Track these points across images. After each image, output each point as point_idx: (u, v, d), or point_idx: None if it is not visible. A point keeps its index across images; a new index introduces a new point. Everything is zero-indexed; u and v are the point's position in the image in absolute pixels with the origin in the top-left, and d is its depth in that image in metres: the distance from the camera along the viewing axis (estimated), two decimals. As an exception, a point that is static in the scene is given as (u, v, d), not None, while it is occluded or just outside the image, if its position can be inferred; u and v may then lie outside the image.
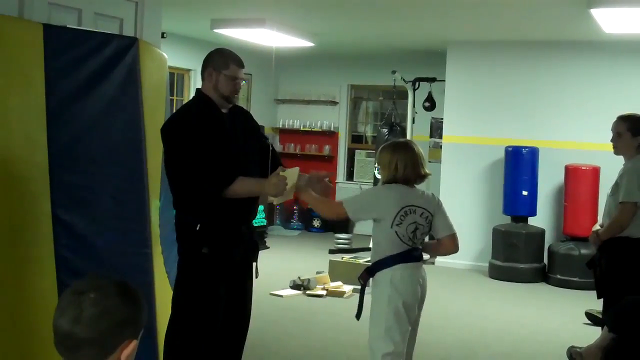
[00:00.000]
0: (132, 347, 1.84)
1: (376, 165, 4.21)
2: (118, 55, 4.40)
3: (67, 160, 4.15)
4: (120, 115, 4.44)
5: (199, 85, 4.11)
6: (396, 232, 4.02)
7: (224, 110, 4.03)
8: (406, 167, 4.06)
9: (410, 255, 4.07)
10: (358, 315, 4.21)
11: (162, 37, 5.87)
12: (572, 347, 5.62)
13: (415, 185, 4.14)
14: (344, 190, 12.61)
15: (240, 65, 4.03)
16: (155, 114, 4.57)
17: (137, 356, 1.89)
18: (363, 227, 9.75)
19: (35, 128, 4.02)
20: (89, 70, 4.26)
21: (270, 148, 4.14)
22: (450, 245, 4.20)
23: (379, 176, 4.21)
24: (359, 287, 4.25)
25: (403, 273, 4.04)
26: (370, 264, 4.24)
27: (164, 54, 4.89)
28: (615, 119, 5.40)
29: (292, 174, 3.96)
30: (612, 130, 5.39)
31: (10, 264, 3.85)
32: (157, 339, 4.35)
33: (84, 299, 1.80)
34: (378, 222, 4.10)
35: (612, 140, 5.40)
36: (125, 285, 1.88)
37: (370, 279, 4.17)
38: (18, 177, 3.94)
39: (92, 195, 4.26)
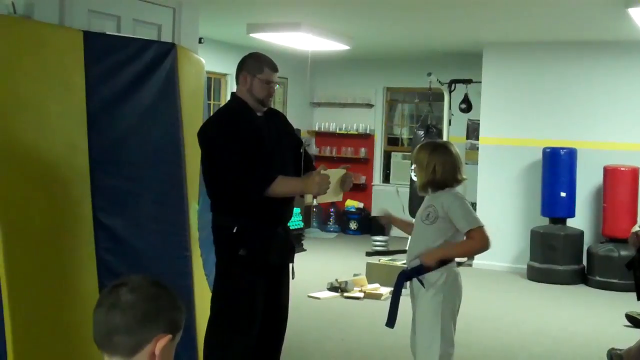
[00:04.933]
0: (166, 340, 1.79)
1: (412, 164, 4.15)
2: (156, 60, 4.46)
3: (108, 164, 4.21)
4: (159, 120, 4.49)
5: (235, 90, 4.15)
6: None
7: (259, 114, 4.06)
8: (445, 169, 3.97)
9: None
10: (392, 323, 4.07)
11: (200, 42, 5.93)
12: (613, 349, 5.58)
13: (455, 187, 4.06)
14: (381, 192, 12.62)
15: (274, 69, 4.06)
16: (193, 119, 4.61)
17: (178, 358, 1.88)
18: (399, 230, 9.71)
19: (76, 133, 4.08)
20: (128, 76, 4.32)
21: (302, 150, 4.15)
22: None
23: (415, 178, 4.17)
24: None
25: (456, 273, 4.04)
26: (407, 265, 4.19)
27: (202, 59, 4.94)
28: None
29: (335, 174, 3.96)
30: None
31: (52, 267, 3.91)
32: (197, 341, 4.39)
33: (121, 290, 1.80)
34: (451, 224, 3.94)
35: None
36: (161, 281, 1.87)
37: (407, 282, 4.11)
38: (59, 181, 4.00)
39: (132, 199, 4.32)
